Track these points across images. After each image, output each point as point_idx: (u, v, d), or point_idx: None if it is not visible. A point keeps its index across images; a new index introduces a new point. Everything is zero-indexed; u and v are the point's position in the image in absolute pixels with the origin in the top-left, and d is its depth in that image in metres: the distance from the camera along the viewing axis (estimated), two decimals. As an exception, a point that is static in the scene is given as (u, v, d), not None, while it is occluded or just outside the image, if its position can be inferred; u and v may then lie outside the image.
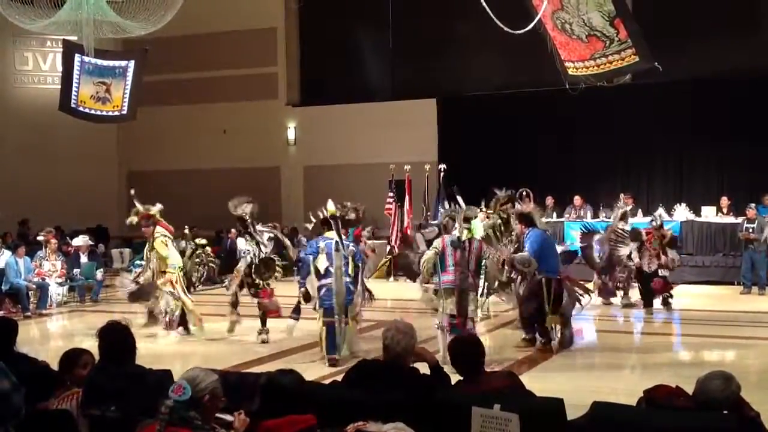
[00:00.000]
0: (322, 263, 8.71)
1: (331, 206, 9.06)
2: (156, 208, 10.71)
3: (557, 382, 7.55)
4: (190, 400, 3.42)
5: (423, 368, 4.58)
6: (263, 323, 10.12)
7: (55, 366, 4.84)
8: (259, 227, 10.45)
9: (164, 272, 10.39)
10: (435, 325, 8.69)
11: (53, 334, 12.12)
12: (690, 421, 3.86)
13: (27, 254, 13.72)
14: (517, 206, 10.54)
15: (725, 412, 3.89)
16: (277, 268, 10.26)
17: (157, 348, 9.82)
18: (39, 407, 4.30)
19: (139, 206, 10.71)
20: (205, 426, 3.47)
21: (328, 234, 8.93)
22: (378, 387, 4.20)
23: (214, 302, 13.44)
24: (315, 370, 7.77)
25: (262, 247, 10.23)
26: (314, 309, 8.89)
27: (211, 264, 11.21)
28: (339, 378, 4.74)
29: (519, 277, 9.72)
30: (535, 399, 4.37)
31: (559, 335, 9.50)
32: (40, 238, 14.43)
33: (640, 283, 12.27)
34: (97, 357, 4.55)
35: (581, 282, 10.51)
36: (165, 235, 10.53)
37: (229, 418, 3.74)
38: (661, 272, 12.01)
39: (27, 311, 12.92)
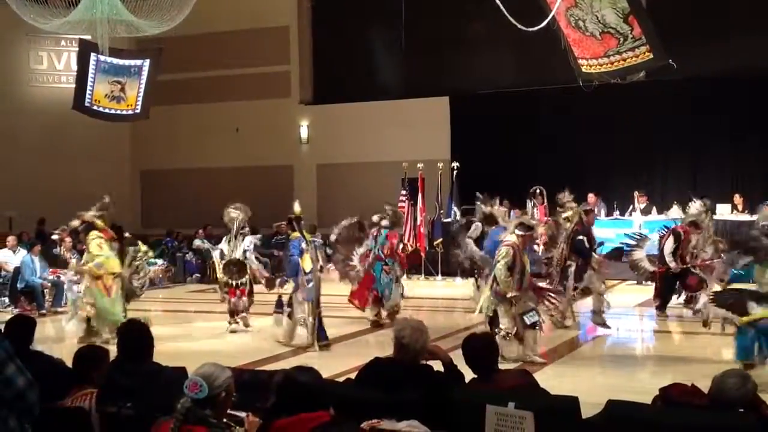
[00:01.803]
0: (308, 263, 9.48)
1: (297, 207, 9.95)
2: (89, 214, 10.67)
3: (572, 381, 7.53)
4: (207, 398, 3.41)
5: (436, 366, 4.57)
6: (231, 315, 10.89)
7: (69, 363, 4.86)
8: (248, 238, 11.04)
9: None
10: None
11: (68, 332, 12.15)
12: (706, 420, 3.83)
13: (43, 253, 13.80)
14: (480, 206, 10.61)
15: (741, 410, 3.86)
16: (247, 273, 10.85)
17: (169, 346, 9.85)
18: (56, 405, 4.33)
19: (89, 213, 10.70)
20: (220, 424, 3.46)
21: (297, 234, 9.70)
22: (392, 385, 4.19)
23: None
24: (326, 368, 7.78)
25: (234, 252, 10.89)
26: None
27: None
28: (353, 376, 4.74)
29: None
30: (550, 397, 4.36)
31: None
32: (54, 237, 14.51)
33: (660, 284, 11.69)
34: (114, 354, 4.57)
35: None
36: (99, 237, 10.45)
37: (242, 415, 3.74)
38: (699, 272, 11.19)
39: (42, 309, 13.00)
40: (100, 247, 10.36)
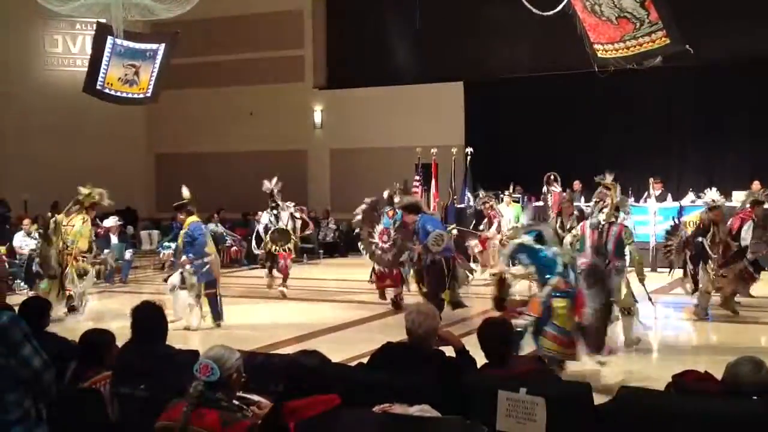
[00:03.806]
0: (212, 245, 10.40)
1: (186, 193, 10.54)
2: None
3: (584, 367, 7.51)
4: (218, 381, 3.43)
5: (449, 351, 4.57)
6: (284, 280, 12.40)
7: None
8: (286, 204, 12.45)
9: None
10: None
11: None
12: (720, 407, 3.81)
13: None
14: (406, 197, 11.02)
15: (755, 397, 3.84)
16: (292, 238, 12.37)
17: (179, 330, 9.88)
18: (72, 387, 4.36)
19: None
20: (232, 406, 3.49)
21: (195, 219, 10.26)
22: (403, 369, 4.20)
23: (240, 284, 13.56)
24: (339, 353, 7.80)
25: (280, 221, 12.36)
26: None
27: None
28: (365, 360, 4.75)
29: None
30: (562, 383, 4.36)
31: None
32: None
33: None
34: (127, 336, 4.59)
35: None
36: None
37: (255, 398, 3.76)
38: None
39: (58, 291, 13.04)
40: None
